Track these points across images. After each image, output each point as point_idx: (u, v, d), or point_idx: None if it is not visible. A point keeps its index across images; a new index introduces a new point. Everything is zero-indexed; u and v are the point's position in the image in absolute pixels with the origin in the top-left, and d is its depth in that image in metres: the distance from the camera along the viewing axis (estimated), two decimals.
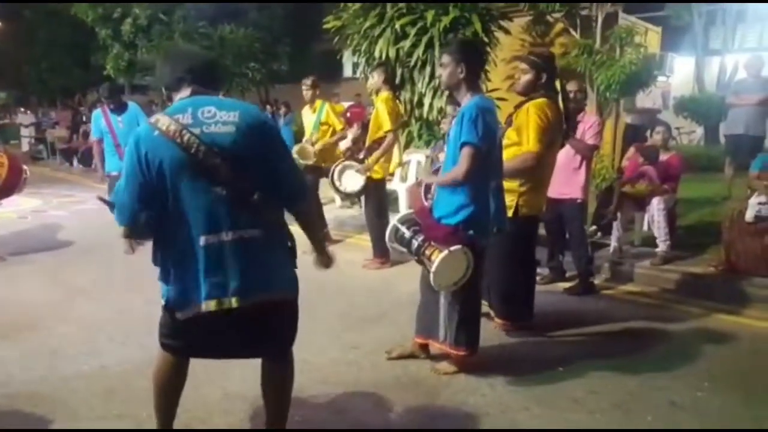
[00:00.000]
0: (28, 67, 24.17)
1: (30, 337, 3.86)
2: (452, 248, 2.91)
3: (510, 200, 3.51)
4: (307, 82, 6.18)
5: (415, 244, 3.10)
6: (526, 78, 3.51)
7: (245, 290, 2.07)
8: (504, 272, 3.70)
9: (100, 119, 6.09)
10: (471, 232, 2.98)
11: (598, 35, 8.71)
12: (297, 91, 6.35)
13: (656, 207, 4.99)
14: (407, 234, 3.15)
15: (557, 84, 3.60)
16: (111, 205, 2.13)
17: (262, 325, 2.18)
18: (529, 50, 5.68)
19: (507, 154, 3.47)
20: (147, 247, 2.22)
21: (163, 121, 2.02)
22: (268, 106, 14.93)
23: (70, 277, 5.23)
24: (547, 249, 4.95)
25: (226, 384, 3.06)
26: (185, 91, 2.13)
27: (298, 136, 8.30)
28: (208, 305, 2.05)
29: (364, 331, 3.91)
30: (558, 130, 3.63)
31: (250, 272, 2.08)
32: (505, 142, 3.54)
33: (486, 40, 7.49)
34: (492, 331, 3.79)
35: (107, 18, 15.18)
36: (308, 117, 6.31)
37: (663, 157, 5.43)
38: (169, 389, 2.34)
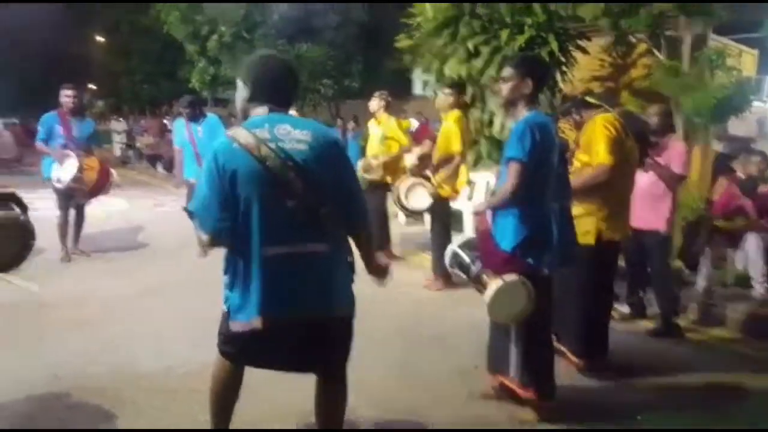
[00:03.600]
0: (124, 78, 25.94)
1: (102, 332, 4.08)
2: (507, 278, 2.75)
3: (590, 224, 3.35)
4: (377, 94, 6.24)
5: (473, 270, 2.98)
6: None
7: (304, 305, 2.11)
8: (579, 304, 3.45)
9: (182, 129, 6.43)
10: (530, 259, 2.80)
11: (686, 57, 8.30)
12: (366, 107, 6.43)
13: (753, 244, 4.63)
14: (466, 259, 3.04)
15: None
16: (191, 214, 2.21)
17: (317, 341, 2.19)
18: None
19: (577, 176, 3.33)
20: (218, 252, 2.27)
21: (241, 134, 2.10)
22: (338, 120, 15.27)
23: (144, 277, 5.49)
24: (627, 283, 4.63)
25: (280, 395, 3.08)
26: (262, 108, 2.20)
27: (365, 150, 8.41)
28: (265, 318, 2.09)
29: (423, 354, 3.83)
30: (632, 146, 3.46)
31: (310, 287, 2.12)
32: (576, 165, 3.43)
33: (563, 59, 7.34)
34: (563, 369, 3.45)
35: (196, 35, 16.09)
36: (373, 130, 6.36)
37: (761, 189, 5.03)
38: (224, 395, 2.39)
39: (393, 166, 6.21)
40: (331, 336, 2.23)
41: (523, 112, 2.89)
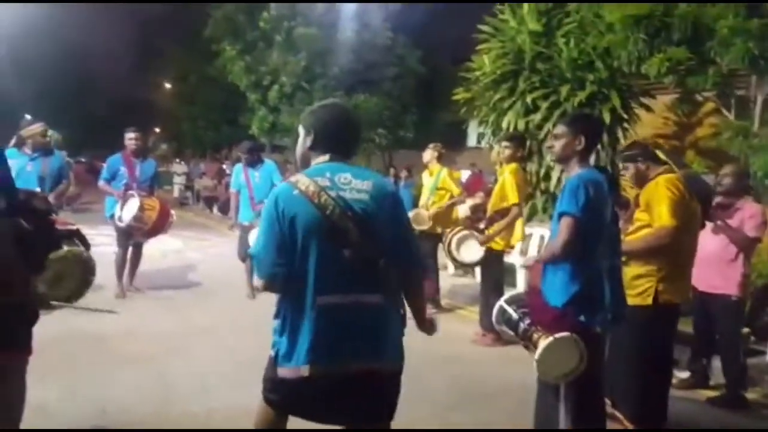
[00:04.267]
0: (187, 123, 27.26)
1: (150, 369, 4.10)
2: (558, 335, 2.65)
3: (647, 285, 3.23)
4: (431, 145, 6.27)
5: (521, 327, 2.88)
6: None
7: (354, 356, 2.06)
8: (634, 368, 3.30)
9: (239, 173, 6.61)
10: (582, 317, 2.71)
11: (757, 117, 8.03)
12: (419, 157, 6.47)
13: None
14: (514, 315, 2.94)
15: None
16: (252, 257, 2.21)
17: (364, 394, 2.13)
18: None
19: (639, 237, 3.24)
20: (267, 295, 2.25)
21: (303, 181, 2.10)
22: (391, 169, 15.44)
23: (195, 316, 5.56)
24: (691, 348, 4.38)
25: None
26: (323, 157, 2.20)
27: (417, 200, 8.42)
28: (312, 369, 2.04)
29: (469, 411, 3.69)
30: (695, 208, 3.34)
31: (362, 338, 2.07)
32: (636, 224, 3.34)
33: (625, 116, 7.23)
34: None
35: (258, 84, 16.82)
36: (426, 180, 6.37)
37: None
38: None
39: (444, 217, 6.18)
40: (379, 390, 2.16)
41: (575, 169, 2.88)
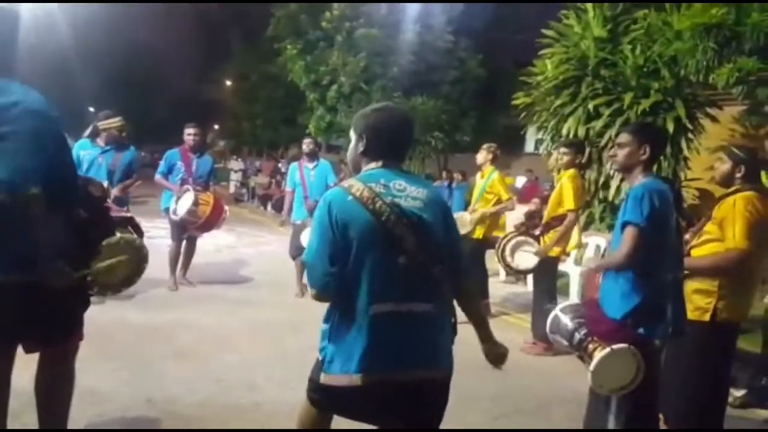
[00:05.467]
0: (246, 122, 27.94)
1: (198, 361, 4.19)
2: (616, 347, 2.59)
3: (707, 301, 3.10)
4: (485, 146, 6.06)
5: (577, 337, 2.81)
6: (723, 168, 3.21)
7: (405, 367, 2.03)
8: (689, 385, 3.18)
9: (295, 171, 6.69)
10: (641, 330, 2.64)
11: None
12: (475, 161, 6.32)
13: None
14: (570, 325, 2.87)
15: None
16: (305, 265, 2.19)
17: (411, 401, 2.09)
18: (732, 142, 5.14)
19: (704, 250, 3.13)
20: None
21: (357, 186, 2.06)
22: (444, 173, 15.30)
23: (243, 310, 5.64)
24: (752, 366, 4.17)
25: None
26: (375, 162, 2.16)
27: (468, 204, 8.30)
28: (362, 379, 2.01)
29: (517, 423, 3.59)
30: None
31: (413, 347, 2.05)
32: (704, 236, 3.19)
33: (690, 127, 6.92)
34: None
35: (317, 84, 17.02)
36: (478, 183, 6.23)
37: None
38: None
39: (490, 221, 5.96)
40: (427, 398, 2.12)
41: (639, 178, 2.82)
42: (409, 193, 2.08)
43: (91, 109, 19.47)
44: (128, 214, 2.58)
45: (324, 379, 2.11)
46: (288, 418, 3.05)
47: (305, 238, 5.35)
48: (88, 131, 5.68)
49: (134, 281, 2.48)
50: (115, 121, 5.65)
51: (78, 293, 2.29)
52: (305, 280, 2.22)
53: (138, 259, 2.43)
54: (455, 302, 2.22)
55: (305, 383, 2.26)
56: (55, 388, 2.45)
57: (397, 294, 2.03)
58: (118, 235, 2.41)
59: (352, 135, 2.24)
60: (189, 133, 6.42)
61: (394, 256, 2.02)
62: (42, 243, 2.13)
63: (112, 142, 5.62)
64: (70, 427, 2.59)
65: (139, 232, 2.53)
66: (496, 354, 2.27)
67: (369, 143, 2.16)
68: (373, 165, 2.16)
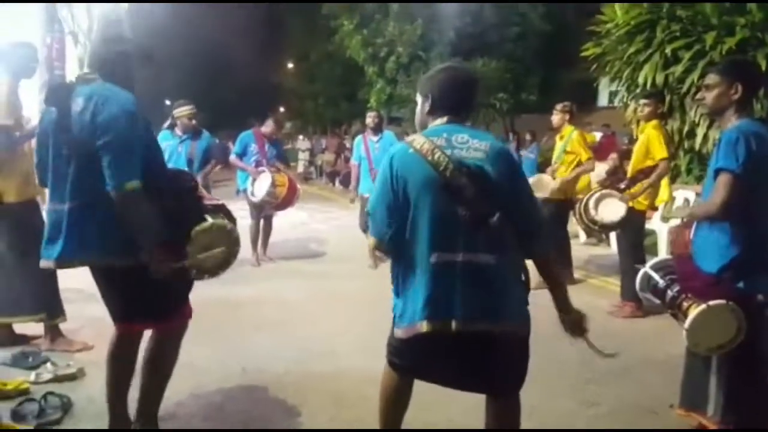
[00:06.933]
0: (309, 101, 28.30)
1: (281, 331, 4.34)
2: (712, 303, 2.44)
3: None
4: (558, 107, 5.78)
5: (669, 294, 2.67)
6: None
7: (469, 316, 2.02)
8: None
9: (360, 146, 6.73)
10: (740, 283, 2.48)
11: None
12: (543, 121, 6.08)
13: None
14: (661, 283, 2.73)
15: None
16: (369, 216, 2.25)
17: (486, 358, 2.09)
18: None
19: None
20: (389, 265, 2.27)
21: (418, 140, 2.11)
22: (512, 135, 14.87)
23: (321, 283, 5.77)
24: None
25: (452, 412, 2.97)
26: (441, 119, 2.19)
27: (542, 166, 8.00)
28: (428, 325, 2.04)
29: (606, 386, 3.47)
30: None
31: (476, 298, 2.03)
32: None
33: None
34: None
35: (375, 57, 16.93)
36: (558, 144, 5.98)
37: None
38: (392, 406, 2.35)
39: (570, 185, 5.69)
40: (502, 354, 2.11)
41: (732, 121, 2.60)
42: (471, 145, 2.09)
43: (168, 102, 20.28)
44: (220, 202, 2.70)
45: (397, 333, 2.17)
46: (371, 384, 3.10)
47: None
48: (167, 123, 6.01)
49: (230, 263, 2.58)
50: (186, 109, 6.04)
51: (180, 275, 2.43)
52: (369, 239, 2.25)
53: (230, 242, 2.52)
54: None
55: (384, 351, 2.30)
56: (159, 361, 2.62)
57: (457, 244, 2.03)
58: (210, 220, 2.51)
59: (418, 98, 2.30)
60: (268, 125, 6.62)
61: (453, 206, 2.02)
62: (143, 232, 2.32)
63: (189, 131, 5.97)
64: (174, 397, 2.79)
65: (232, 219, 2.63)
66: (572, 323, 2.20)
67: (434, 102, 2.22)
68: (438, 122, 2.20)
